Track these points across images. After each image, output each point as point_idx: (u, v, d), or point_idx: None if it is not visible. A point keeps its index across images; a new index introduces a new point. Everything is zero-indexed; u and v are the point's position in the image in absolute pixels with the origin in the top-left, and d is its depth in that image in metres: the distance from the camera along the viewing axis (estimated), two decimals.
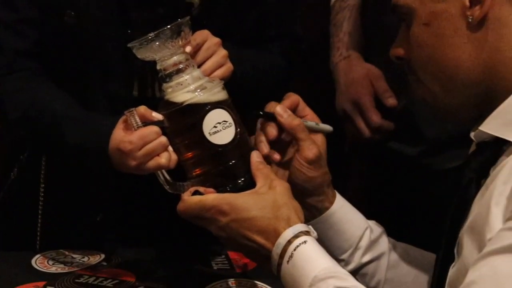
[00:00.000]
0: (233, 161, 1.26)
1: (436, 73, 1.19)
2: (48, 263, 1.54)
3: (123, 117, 1.31)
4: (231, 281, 1.47)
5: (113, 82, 1.53)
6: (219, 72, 1.37)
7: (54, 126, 1.45)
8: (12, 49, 1.52)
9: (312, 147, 1.28)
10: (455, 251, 1.17)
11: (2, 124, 1.56)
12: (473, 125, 1.20)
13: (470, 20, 1.15)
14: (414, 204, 1.79)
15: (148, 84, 1.54)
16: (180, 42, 1.26)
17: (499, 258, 1.03)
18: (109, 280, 1.46)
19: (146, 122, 1.28)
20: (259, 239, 1.17)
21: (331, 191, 1.33)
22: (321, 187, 1.31)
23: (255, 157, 1.26)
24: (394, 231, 1.40)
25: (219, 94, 1.27)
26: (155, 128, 1.28)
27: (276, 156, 1.30)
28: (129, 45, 1.27)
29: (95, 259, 1.56)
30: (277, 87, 1.62)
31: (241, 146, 1.26)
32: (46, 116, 1.47)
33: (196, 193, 1.22)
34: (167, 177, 1.29)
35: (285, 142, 1.33)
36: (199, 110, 1.24)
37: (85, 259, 1.56)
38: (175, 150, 1.29)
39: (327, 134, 1.34)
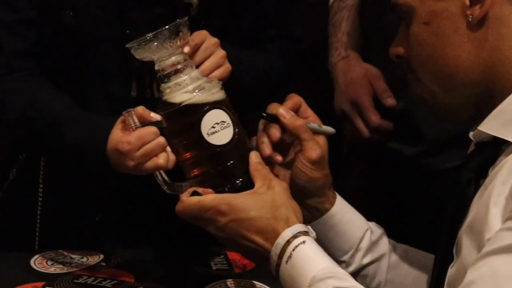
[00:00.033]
0: (232, 162, 1.25)
1: (435, 72, 1.19)
2: (47, 263, 1.54)
3: (121, 118, 1.31)
4: (230, 282, 1.46)
5: (111, 83, 1.53)
6: (218, 73, 1.38)
7: (53, 126, 1.45)
8: (11, 49, 1.52)
9: (315, 147, 1.28)
10: (454, 251, 1.16)
11: (1, 124, 1.56)
12: (472, 125, 1.19)
13: (470, 19, 1.15)
14: (413, 204, 1.79)
15: (147, 85, 1.54)
16: (179, 43, 1.26)
17: (498, 258, 1.02)
18: (108, 281, 1.46)
19: (144, 123, 1.28)
20: (258, 239, 1.17)
21: (332, 192, 1.33)
22: (323, 188, 1.31)
23: (254, 157, 1.26)
24: (393, 230, 1.40)
25: (217, 94, 1.27)
26: (153, 129, 1.28)
27: (278, 158, 1.30)
28: (127, 45, 1.27)
29: (94, 259, 1.56)
30: (276, 87, 1.62)
31: (239, 146, 1.26)
32: (45, 116, 1.47)
33: (195, 193, 1.22)
34: (165, 177, 1.29)
35: (286, 143, 1.33)
36: (197, 110, 1.24)
37: (84, 259, 1.56)
38: (173, 151, 1.29)
39: (328, 136, 1.34)
